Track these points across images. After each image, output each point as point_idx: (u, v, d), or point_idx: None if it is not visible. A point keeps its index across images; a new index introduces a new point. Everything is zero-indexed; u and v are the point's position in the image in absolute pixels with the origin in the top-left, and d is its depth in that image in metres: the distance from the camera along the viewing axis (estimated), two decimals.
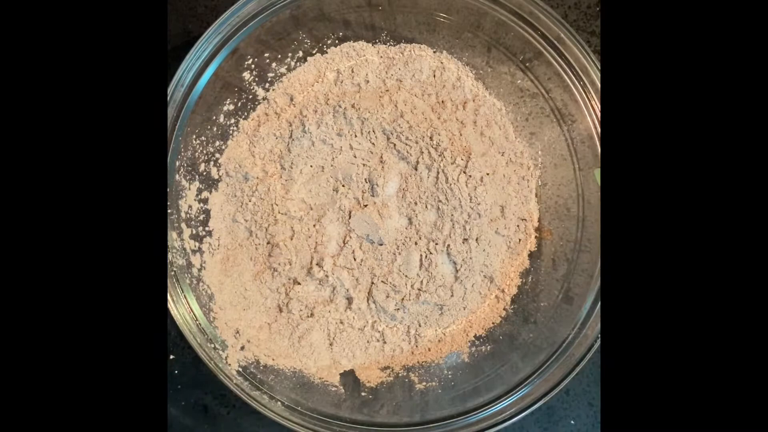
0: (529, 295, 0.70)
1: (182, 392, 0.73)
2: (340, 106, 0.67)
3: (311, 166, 0.68)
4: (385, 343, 0.69)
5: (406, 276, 0.67)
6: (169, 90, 0.62)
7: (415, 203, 0.67)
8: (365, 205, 0.68)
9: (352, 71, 0.70)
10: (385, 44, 0.70)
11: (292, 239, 0.68)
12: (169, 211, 0.64)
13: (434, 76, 0.70)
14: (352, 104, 0.67)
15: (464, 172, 0.66)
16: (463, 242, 0.67)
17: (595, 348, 0.62)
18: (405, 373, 0.69)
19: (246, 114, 0.69)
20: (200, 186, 0.67)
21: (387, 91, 0.69)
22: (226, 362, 0.64)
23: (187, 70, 0.63)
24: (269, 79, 0.70)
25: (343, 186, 0.68)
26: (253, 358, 0.66)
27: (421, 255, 0.67)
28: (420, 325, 0.69)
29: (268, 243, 0.68)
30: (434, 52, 0.70)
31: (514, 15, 0.63)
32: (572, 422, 0.73)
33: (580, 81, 0.64)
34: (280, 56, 0.69)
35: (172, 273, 0.64)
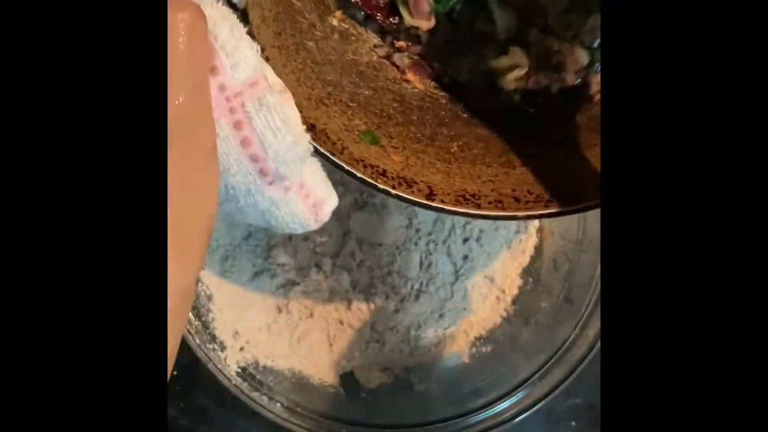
0: (529, 295, 0.70)
1: (181, 393, 0.72)
2: None
3: None
4: (384, 344, 0.69)
5: (405, 276, 0.67)
6: None
7: None
8: (364, 205, 0.68)
9: None
10: None
11: (291, 240, 0.68)
12: None
13: None
14: None
15: None
16: (464, 242, 0.67)
17: (596, 349, 0.62)
18: (405, 374, 0.69)
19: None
20: None
21: None
22: (225, 363, 0.64)
23: None
24: None
25: (342, 186, 0.68)
26: (252, 359, 0.66)
27: (420, 255, 0.67)
28: (420, 326, 0.69)
29: (267, 243, 0.68)
30: None
31: None
32: (573, 423, 0.73)
33: None
34: None
35: None
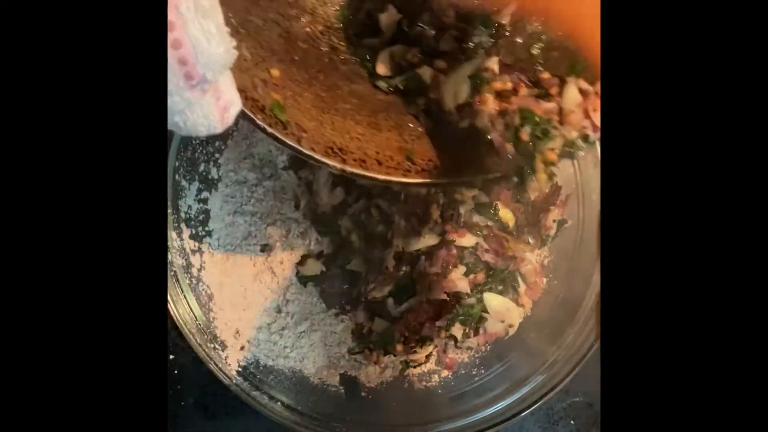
0: None
1: (182, 392, 0.73)
2: None
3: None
4: None
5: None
6: None
7: None
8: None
9: None
10: None
11: (287, 238, 0.68)
12: (169, 211, 0.64)
13: None
14: None
15: None
16: None
17: (595, 348, 0.62)
18: (404, 374, 0.69)
19: (246, 114, 0.69)
20: (200, 186, 0.67)
21: None
22: (226, 362, 0.64)
23: None
24: None
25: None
26: (252, 358, 0.66)
27: None
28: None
29: (267, 243, 0.68)
30: None
31: None
32: (572, 422, 0.73)
33: None
34: None
35: (172, 273, 0.64)
